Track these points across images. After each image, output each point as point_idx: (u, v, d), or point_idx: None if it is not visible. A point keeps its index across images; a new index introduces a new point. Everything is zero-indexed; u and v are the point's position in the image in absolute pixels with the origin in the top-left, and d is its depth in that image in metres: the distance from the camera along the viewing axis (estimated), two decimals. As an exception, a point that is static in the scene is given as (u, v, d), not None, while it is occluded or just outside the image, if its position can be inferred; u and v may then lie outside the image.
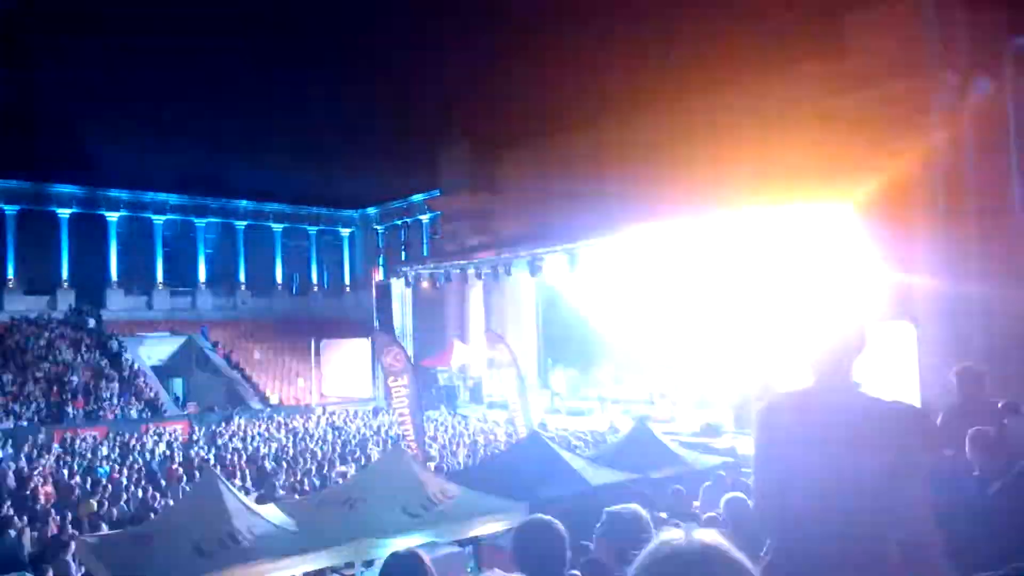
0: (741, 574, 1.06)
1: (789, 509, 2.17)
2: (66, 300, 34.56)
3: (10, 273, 34.04)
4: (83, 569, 8.45)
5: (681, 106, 21.41)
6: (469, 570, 8.93)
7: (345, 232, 43.53)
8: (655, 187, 19.27)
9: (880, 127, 16.12)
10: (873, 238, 16.39)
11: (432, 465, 13.87)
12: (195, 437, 21.49)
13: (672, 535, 1.12)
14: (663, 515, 7.86)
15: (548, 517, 2.99)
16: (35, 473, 15.34)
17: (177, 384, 32.08)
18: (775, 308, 15.02)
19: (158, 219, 37.55)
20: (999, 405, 6.37)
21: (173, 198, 37.83)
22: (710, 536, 1.10)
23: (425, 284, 26.42)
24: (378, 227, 42.33)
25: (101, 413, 26.18)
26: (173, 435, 22.15)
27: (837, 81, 16.81)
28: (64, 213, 35.24)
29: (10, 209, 34.23)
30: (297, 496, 11.47)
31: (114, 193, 36.28)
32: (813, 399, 2.23)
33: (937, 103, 15.87)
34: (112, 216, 36.40)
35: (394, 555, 2.77)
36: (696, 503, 8.86)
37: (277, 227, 41.10)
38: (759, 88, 19.38)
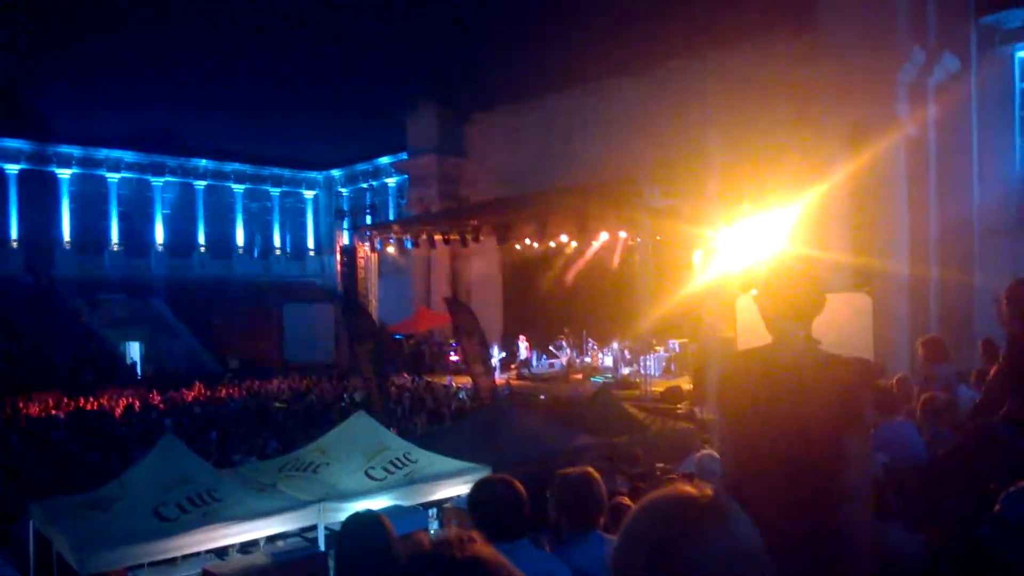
0: (744, 524, 1.06)
1: (754, 460, 2.23)
2: (16, 260, 33.57)
3: (-44, 232, 33.01)
4: (38, 535, 8.32)
5: (654, 73, 21.37)
6: (432, 531, 8.99)
7: (309, 194, 42.83)
8: (625, 153, 19.27)
9: (846, 100, 16.29)
10: (833, 207, 16.66)
11: (396, 429, 13.86)
12: (153, 401, 21.19)
13: (676, 487, 1.11)
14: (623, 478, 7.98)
15: (506, 476, 2.98)
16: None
17: (134, 348, 31.47)
18: (736, 275, 15.21)
19: (113, 177, 36.48)
20: (954, 373, 6.59)
21: (129, 156, 36.67)
22: (714, 492, 1.10)
23: (391, 249, 26.19)
24: (343, 190, 41.72)
25: (55, 378, 25.64)
26: (131, 399, 21.83)
27: (807, 52, 16.91)
28: (12, 169, 34.06)
29: (-44, 165, 33.09)
30: (258, 460, 11.40)
31: (66, 149, 35.09)
32: (776, 355, 2.30)
33: (904, 78, 16.05)
34: (64, 173, 35.28)
35: (354, 515, 2.74)
36: (659, 465, 9.00)
37: (238, 188, 40.26)
38: (729, 57, 19.41)
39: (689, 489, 1.10)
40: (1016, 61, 16.94)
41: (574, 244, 22.94)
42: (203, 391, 23.16)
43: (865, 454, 2.23)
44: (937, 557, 3.06)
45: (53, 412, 19.02)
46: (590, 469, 3.07)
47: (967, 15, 16.82)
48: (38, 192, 34.43)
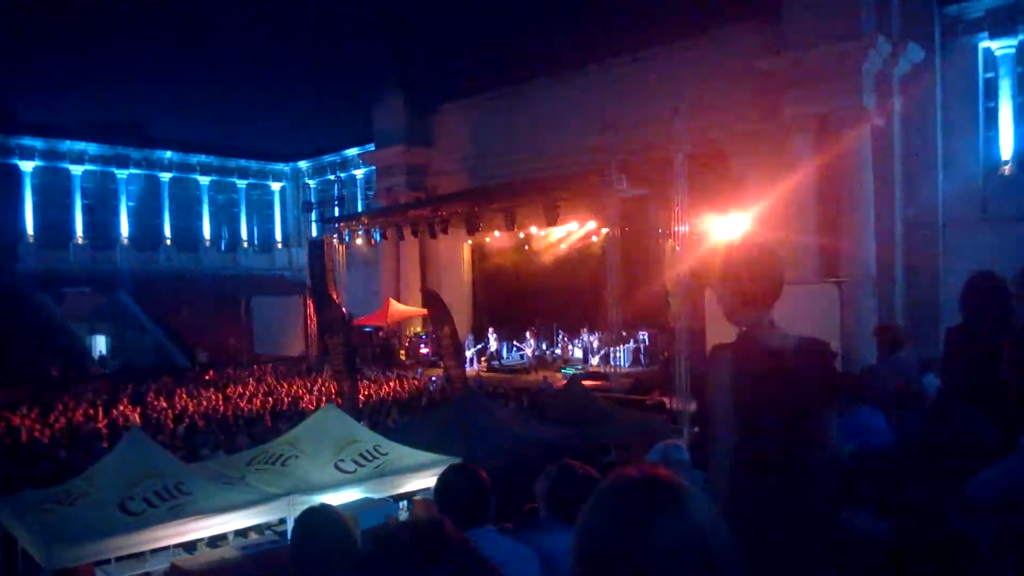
0: (702, 503, 1.07)
1: (753, 445, 2.25)
2: (-23, 254, 32.80)
3: (-85, 224, 32.10)
4: (2, 531, 8.16)
5: (621, 64, 21.43)
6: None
7: (276, 186, 42.35)
8: (592, 143, 19.29)
9: (812, 91, 16.46)
10: (800, 198, 16.85)
11: (366, 422, 13.80)
12: (120, 395, 20.85)
13: (626, 470, 1.11)
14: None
15: (470, 464, 3.00)
16: (-53, 433, 14.67)
17: (100, 341, 30.95)
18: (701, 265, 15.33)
19: (76, 169, 35.73)
20: (913, 361, 6.68)
21: (92, 147, 35.92)
22: (671, 472, 1.11)
23: (359, 241, 26.01)
24: (310, 181, 41.31)
25: (18, 371, 25.13)
26: (97, 393, 21.45)
27: (772, 41, 17.04)
28: (-28, 161, 33.25)
29: (-86, 156, 32.18)
30: (227, 454, 11.27)
31: (28, 141, 34.31)
32: (751, 343, 2.32)
33: (869, 69, 16.24)
34: (26, 166, 34.51)
35: (307, 510, 2.74)
36: (631, 456, 9.05)
37: (204, 180, 39.64)
38: (696, 48, 19.53)
39: (643, 472, 1.10)
40: (979, 51, 17.19)
41: (543, 234, 22.99)
42: (170, 384, 22.82)
43: (831, 433, 2.34)
44: (906, 542, 3.12)
45: (19, 405, 18.55)
46: (592, 470, 3.07)
47: (930, 5, 17.04)
48: (0, 185, 33.62)
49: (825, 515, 2.27)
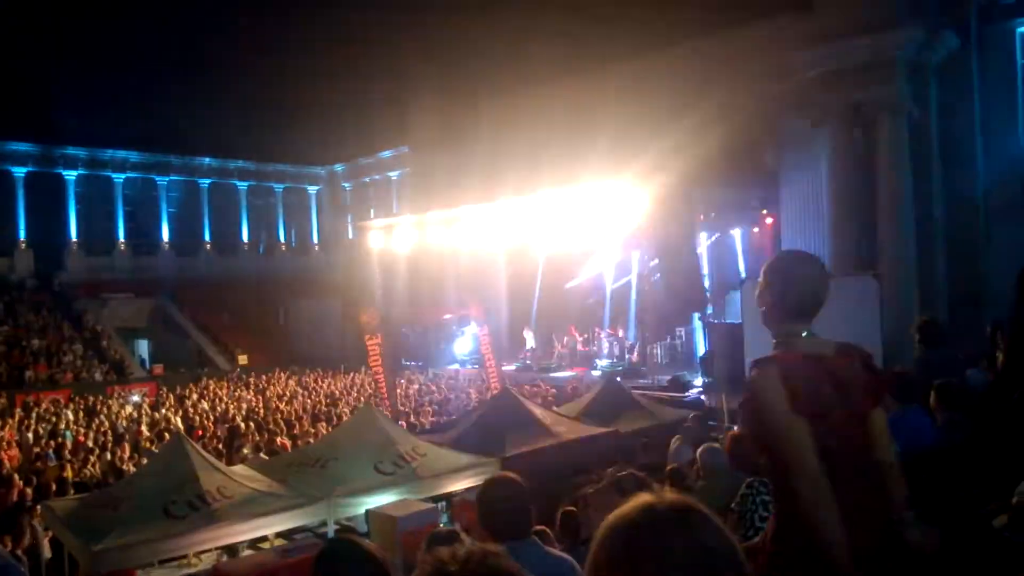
0: (710, 525, 1.05)
1: (831, 459, 2.16)
2: (25, 262, 33.69)
3: (-35, 235, 33.09)
4: (49, 534, 8.35)
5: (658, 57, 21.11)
6: (442, 525, 8.99)
7: (312, 189, 42.87)
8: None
9: (847, 82, 16.13)
10: (838, 191, 16.54)
11: (404, 423, 13.88)
12: (162, 399, 21.26)
13: (642, 497, 1.10)
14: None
15: (510, 475, 2.99)
16: (-2, 438, 15.09)
17: (143, 346, 31.60)
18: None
19: (118, 177, 36.54)
20: (954, 357, 6.47)
21: (134, 155, 36.71)
22: (678, 496, 1.10)
23: (395, 242, 26.10)
24: (346, 184, 41.70)
25: (64, 377, 25.78)
26: (140, 397, 21.92)
27: (804, 34, 16.72)
28: (19, 171, 34.13)
29: (-38, 169, 33.17)
30: (267, 457, 11.42)
31: (71, 151, 35.16)
32: (793, 353, 2.25)
33: (904, 57, 15.87)
34: (70, 174, 35.37)
35: (331, 540, 2.74)
36: (670, 452, 8.96)
37: (242, 185, 40.30)
38: (728, 41, 19.24)
39: (653, 498, 1.09)
40: (1017, 37, 16.69)
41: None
42: (211, 387, 23.22)
43: (886, 427, 2.30)
44: (953, 547, 3.03)
45: (64, 410, 19.01)
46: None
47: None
48: (45, 194, 34.49)
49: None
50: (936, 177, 16.70)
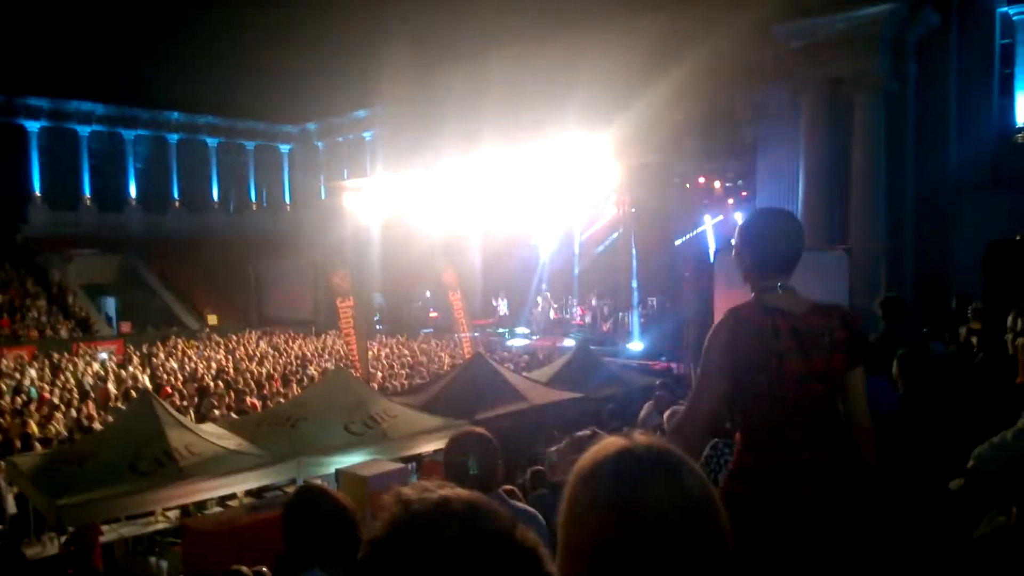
0: (689, 467, 1.04)
1: (772, 405, 2.23)
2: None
3: (-78, 185, 32.05)
4: (15, 490, 8.27)
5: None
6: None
7: (284, 148, 42.14)
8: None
9: (826, 56, 16.16)
10: (813, 164, 16.66)
11: (375, 385, 13.88)
12: (129, 357, 21.02)
13: (617, 438, 1.07)
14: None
15: (479, 429, 2.96)
16: (-40, 392, 14.83)
17: (110, 303, 31.06)
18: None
19: (84, 130, 35.57)
20: (915, 331, 6.65)
21: (99, 108, 35.68)
22: (653, 439, 1.07)
23: (368, 204, 25.87)
24: (319, 143, 41.05)
25: (28, 333, 25.35)
26: (108, 355, 21.66)
27: (788, 4, 16.66)
28: (-23, 121, 33.05)
29: (-80, 117, 32.03)
30: (236, 416, 11.37)
31: (33, 101, 34.08)
32: (760, 305, 2.29)
33: (885, 33, 15.92)
34: (33, 126, 34.34)
35: (300, 488, 2.71)
36: (639, 418, 9.07)
37: (212, 141, 39.45)
38: (709, 10, 19.10)
39: (629, 442, 1.05)
40: (997, 17, 16.82)
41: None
42: (179, 346, 23.02)
43: (864, 390, 2.32)
44: (910, 509, 3.12)
45: (29, 367, 18.73)
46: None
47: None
48: (6, 145, 33.44)
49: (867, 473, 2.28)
50: (910, 153, 16.87)
